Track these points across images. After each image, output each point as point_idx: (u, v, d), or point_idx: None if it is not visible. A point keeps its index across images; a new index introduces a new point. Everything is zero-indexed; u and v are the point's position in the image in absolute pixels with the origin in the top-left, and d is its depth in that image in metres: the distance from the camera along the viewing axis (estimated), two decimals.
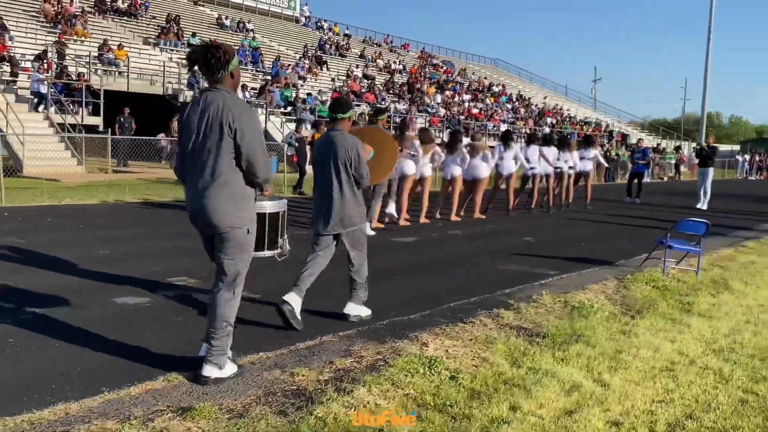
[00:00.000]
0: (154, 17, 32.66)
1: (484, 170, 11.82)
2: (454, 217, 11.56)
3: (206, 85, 3.65)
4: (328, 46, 40.76)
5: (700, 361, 4.49)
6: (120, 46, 24.00)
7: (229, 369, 3.73)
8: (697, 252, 7.47)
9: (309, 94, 27.21)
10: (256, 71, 30.12)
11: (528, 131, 36.69)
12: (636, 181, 19.39)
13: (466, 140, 12.19)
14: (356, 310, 4.97)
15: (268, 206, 4.60)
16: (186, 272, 6.42)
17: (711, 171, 17.84)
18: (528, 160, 13.05)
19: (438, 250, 8.59)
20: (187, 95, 23.89)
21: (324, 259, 4.83)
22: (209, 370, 3.64)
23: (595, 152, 14.97)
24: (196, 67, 3.67)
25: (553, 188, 13.96)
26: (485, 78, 50.72)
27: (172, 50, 28.40)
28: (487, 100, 42.74)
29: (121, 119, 20.89)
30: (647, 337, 4.95)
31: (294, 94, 26.64)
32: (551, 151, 13.39)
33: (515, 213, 12.89)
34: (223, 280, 3.65)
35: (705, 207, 17.21)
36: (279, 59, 31.04)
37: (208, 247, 3.77)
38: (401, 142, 9.92)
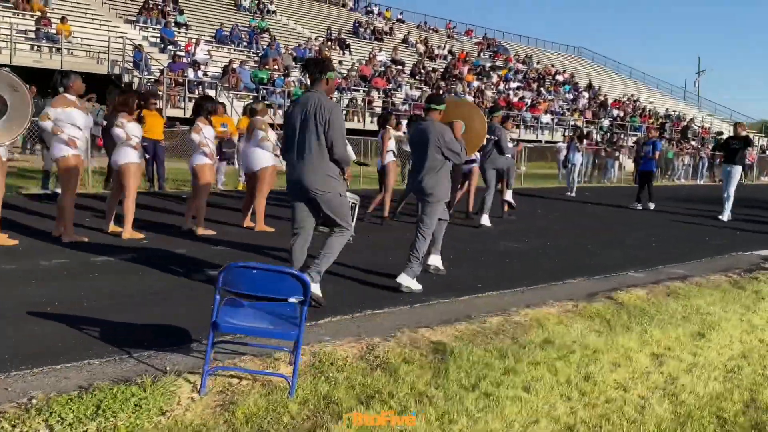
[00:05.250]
0: None
1: (264, 160, 7.84)
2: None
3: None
4: (362, 30, 37.03)
5: None
6: (63, 20, 21.39)
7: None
8: (294, 337, 3.22)
9: (286, 75, 23.63)
10: (250, 53, 26.96)
11: (577, 124, 31.42)
12: (644, 182, 14.79)
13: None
14: (408, 281, 5.43)
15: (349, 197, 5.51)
16: None
17: (737, 170, 13.10)
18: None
19: (91, 283, 4.80)
20: (134, 74, 21.08)
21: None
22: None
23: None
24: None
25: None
26: (552, 66, 45.04)
27: (154, 29, 25.66)
28: (542, 89, 37.39)
29: None
30: None
31: (270, 76, 23.20)
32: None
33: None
34: (335, 229, 4.83)
35: (726, 218, 12.66)
36: (275, 39, 27.66)
37: (304, 211, 4.81)
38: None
